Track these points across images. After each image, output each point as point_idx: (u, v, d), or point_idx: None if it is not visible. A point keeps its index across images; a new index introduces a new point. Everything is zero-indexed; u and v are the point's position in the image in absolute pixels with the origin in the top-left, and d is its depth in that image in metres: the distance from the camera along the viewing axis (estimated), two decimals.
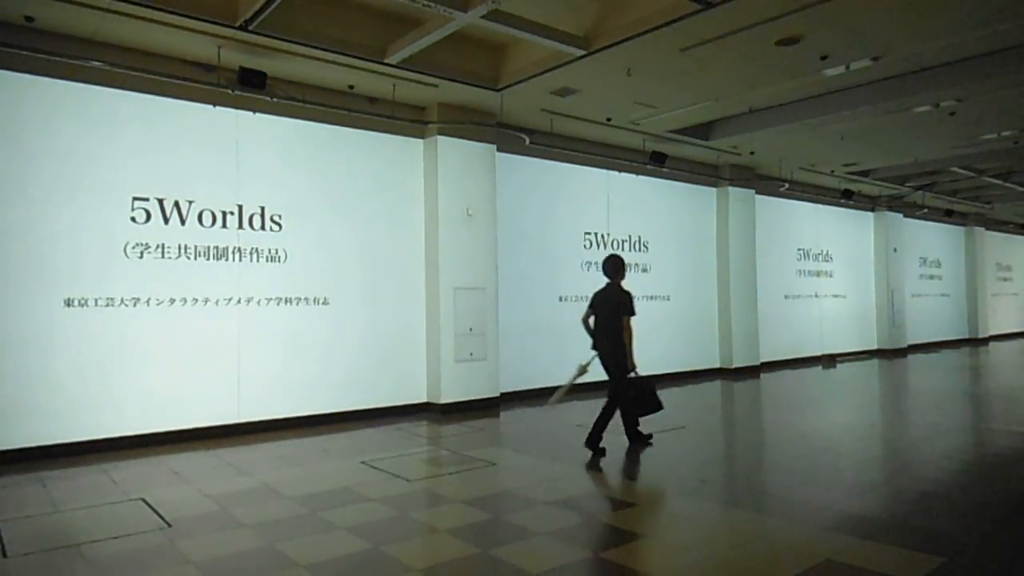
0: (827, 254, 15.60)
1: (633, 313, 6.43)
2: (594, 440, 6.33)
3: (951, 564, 3.67)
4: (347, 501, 4.98)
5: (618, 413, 6.56)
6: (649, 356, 11.50)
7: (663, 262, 11.92)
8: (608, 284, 6.61)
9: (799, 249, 14.89)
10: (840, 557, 3.79)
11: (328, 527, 4.41)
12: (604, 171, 10.99)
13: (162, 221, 7.01)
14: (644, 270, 11.61)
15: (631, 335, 6.35)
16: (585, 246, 10.78)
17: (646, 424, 6.84)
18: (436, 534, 4.36)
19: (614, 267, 6.61)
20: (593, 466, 6.01)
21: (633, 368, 6.36)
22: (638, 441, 6.67)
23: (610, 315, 6.43)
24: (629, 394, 6.44)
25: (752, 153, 11.86)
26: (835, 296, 15.76)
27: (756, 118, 9.86)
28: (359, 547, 4.06)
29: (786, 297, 14.46)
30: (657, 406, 6.47)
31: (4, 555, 3.96)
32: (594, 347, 6.55)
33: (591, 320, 6.61)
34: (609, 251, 10.99)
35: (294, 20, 6.51)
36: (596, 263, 10.89)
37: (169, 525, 4.43)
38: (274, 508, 4.83)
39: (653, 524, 4.45)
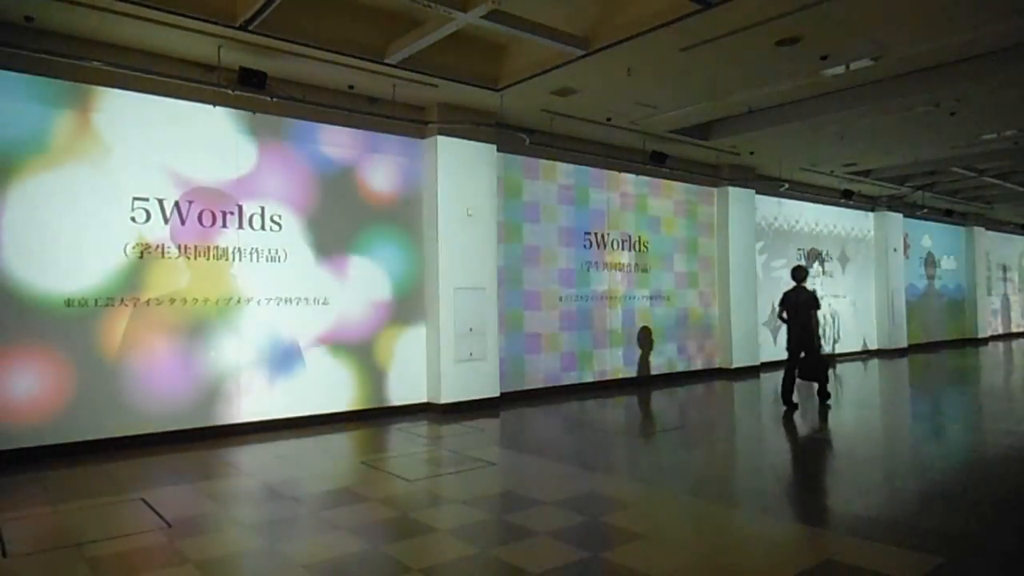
0: (827, 254, 15.60)
1: (819, 307, 8.78)
2: (787, 397, 8.71)
3: (951, 564, 3.67)
4: (347, 501, 4.98)
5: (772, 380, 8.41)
6: (648, 356, 11.60)
7: (663, 262, 11.91)
8: (795, 286, 8.87)
9: (799, 249, 14.88)
10: (840, 557, 3.79)
11: (328, 527, 4.41)
12: (604, 171, 10.99)
13: (162, 221, 7.01)
14: (644, 270, 11.61)
15: (817, 323, 8.73)
16: (585, 246, 10.77)
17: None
18: (436, 534, 4.36)
19: (800, 274, 8.95)
20: (788, 416, 8.31)
21: (820, 347, 8.70)
22: (790, 405, 8.75)
23: (800, 309, 8.68)
24: (814, 369, 8.64)
25: (752, 153, 11.86)
26: (835, 296, 15.76)
27: (756, 118, 9.86)
28: (359, 547, 4.06)
29: None
30: (824, 379, 8.76)
31: (4, 555, 3.96)
32: (789, 332, 8.88)
33: (784, 314, 8.91)
34: (608, 251, 11.05)
35: (294, 20, 6.51)
36: (596, 263, 10.90)
37: (169, 525, 4.43)
38: (274, 508, 4.83)
39: (653, 524, 4.45)
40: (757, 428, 8.15)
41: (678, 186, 12.21)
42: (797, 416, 8.31)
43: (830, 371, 8.98)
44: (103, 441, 6.58)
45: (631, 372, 11.26)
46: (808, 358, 8.70)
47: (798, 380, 8.81)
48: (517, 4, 6.27)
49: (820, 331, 8.60)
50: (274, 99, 7.37)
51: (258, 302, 7.58)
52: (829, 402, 8.91)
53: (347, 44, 6.93)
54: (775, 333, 14.02)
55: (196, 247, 7.19)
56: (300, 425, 7.74)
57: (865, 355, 16.17)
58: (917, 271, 18.52)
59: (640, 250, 11.58)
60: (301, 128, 7.94)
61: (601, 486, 5.36)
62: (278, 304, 7.72)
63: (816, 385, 9.05)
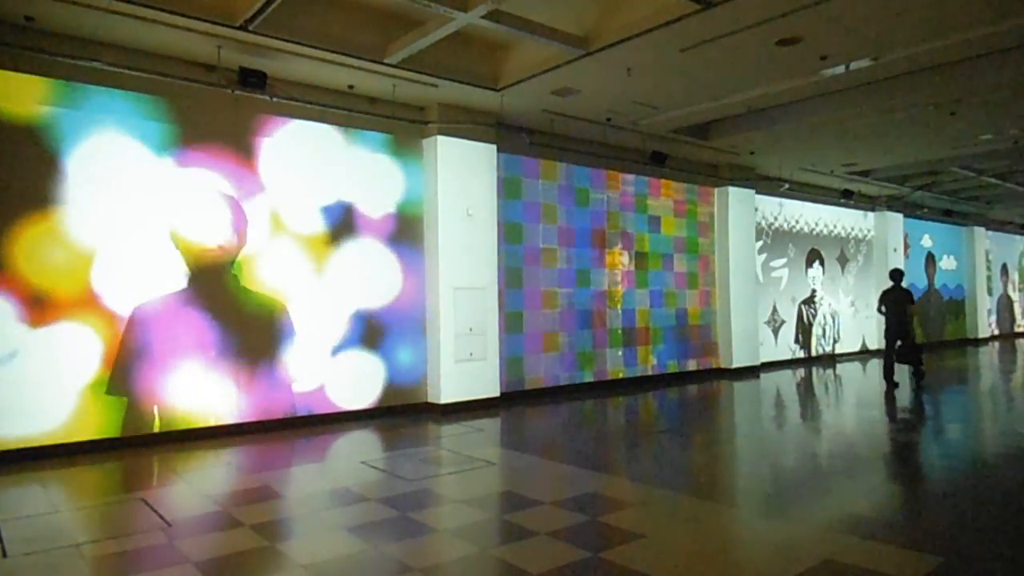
0: (827, 254, 15.60)
1: (915, 303, 10.55)
2: (889, 377, 10.53)
3: (951, 564, 3.67)
4: (347, 501, 4.98)
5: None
6: (648, 356, 11.60)
7: (662, 262, 11.91)
8: (894, 285, 10.63)
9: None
10: (840, 557, 3.79)
11: (328, 527, 4.41)
12: (604, 171, 10.99)
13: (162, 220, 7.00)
14: (644, 270, 11.60)
15: (912, 317, 10.47)
16: (585, 246, 10.75)
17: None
18: (436, 534, 4.36)
19: (899, 275, 10.71)
20: (889, 394, 9.99)
21: (914, 337, 10.61)
22: (891, 384, 10.52)
23: (900, 305, 10.44)
24: (909, 354, 10.50)
25: (752, 153, 11.85)
26: (835, 296, 15.75)
27: (756, 118, 9.85)
28: (359, 547, 4.06)
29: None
30: (919, 363, 10.59)
31: (4, 555, 3.96)
32: (887, 323, 10.73)
33: (882, 308, 10.73)
34: (608, 250, 11.05)
35: (294, 20, 6.51)
36: (596, 263, 10.89)
37: (169, 525, 4.43)
38: (274, 508, 4.83)
39: (653, 524, 4.45)
40: (756, 428, 8.15)
41: (678, 186, 12.20)
42: (796, 415, 8.31)
43: (923, 355, 10.71)
44: (103, 441, 6.57)
45: (631, 372, 11.26)
46: (904, 345, 10.50)
47: (890, 363, 10.61)
48: (517, 4, 6.27)
49: (911, 323, 10.51)
50: (274, 99, 7.38)
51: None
52: (923, 382, 10.71)
53: (347, 44, 6.93)
54: (775, 333, 14.04)
55: (195, 246, 7.19)
56: (300, 425, 7.75)
57: (864, 355, 16.17)
58: (917, 271, 18.50)
59: (640, 250, 11.58)
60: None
61: (601, 486, 5.36)
62: (277, 304, 7.74)
63: (910, 367, 10.80)
